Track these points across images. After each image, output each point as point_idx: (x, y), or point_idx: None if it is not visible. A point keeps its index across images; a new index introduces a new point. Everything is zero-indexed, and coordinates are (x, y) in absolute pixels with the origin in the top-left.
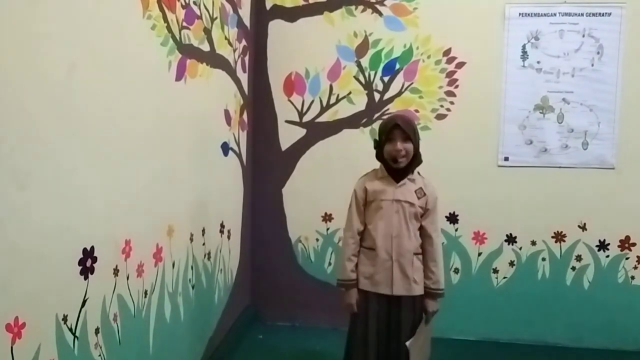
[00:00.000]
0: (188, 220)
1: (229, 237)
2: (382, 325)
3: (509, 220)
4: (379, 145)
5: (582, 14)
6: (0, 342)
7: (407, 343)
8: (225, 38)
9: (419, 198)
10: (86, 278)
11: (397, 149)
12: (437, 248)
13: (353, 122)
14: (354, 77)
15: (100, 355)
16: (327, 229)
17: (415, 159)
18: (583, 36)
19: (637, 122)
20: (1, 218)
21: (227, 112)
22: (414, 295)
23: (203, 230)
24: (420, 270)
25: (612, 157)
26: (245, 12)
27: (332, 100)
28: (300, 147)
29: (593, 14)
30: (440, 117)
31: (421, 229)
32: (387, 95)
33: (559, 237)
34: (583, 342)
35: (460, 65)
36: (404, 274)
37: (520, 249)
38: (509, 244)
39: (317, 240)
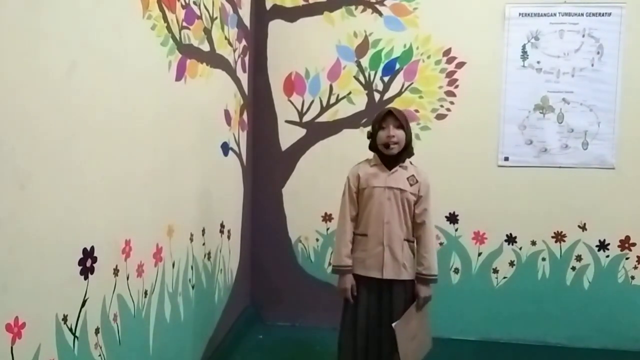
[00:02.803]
0: (188, 220)
1: (229, 237)
2: (373, 310)
3: (509, 220)
4: (372, 135)
5: (582, 14)
6: (0, 342)
7: (394, 324)
8: (225, 38)
9: (411, 185)
10: (86, 278)
11: (390, 135)
12: (430, 234)
13: (353, 122)
14: (354, 77)
15: (100, 355)
16: (327, 229)
17: (407, 149)
18: (583, 36)
19: (637, 122)
20: (1, 218)
21: (227, 112)
22: (404, 281)
23: (203, 230)
24: (410, 256)
25: (612, 157)
26: (245, 12)
27: (332, 100)
28: (300, 147)
29: (593, 14)
30: (440, 117)
31: (414, 216)
32: (387, 95)
33: (559, 237)
34: (583, 342)
35: (460, 65)
36: (394, 259)
37: (520, 249)
38: (509, 244)
39: (317, 240)
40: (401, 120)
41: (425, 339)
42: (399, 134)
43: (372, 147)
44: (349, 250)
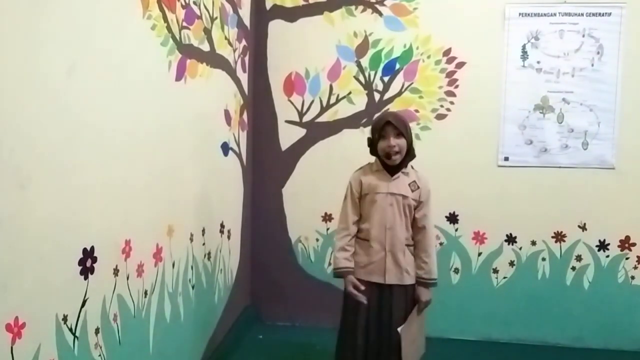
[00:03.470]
0: (188, 220)
1: (229, 237)
2: (373, 313)
3: (509, 220)
4: (372, 143)
5: (582, 14)
6: (0, 342)
7: (399, 329)
8: (225, 38)
9: (412, 191)
10: (86, 278)
11: (391, 145)
12: (430, 239)
13: (353, 122)
14: (354, 77)
15: (100, 355)
16: (327, 229)
17: (409, 154)
18: (583, 36)
19: (637, 122)
20: (1, 218)
21: (227, 112)
22: (405, 285)
23: (203, 230)
24: (412, 261)
25: (612, 157)
26: (245, 12)
27: (332, 100)
28: (300, 147)
29: (593, 14)
30: (440, 117)
31: (414, 220)
32: (387, 95)
33: (559, 237)
34: (583, 342)
35: (460, 65)
36: (396, 264)
37: (520, 249)
38: (509, 244)
39: (317, 240)
40: (400, 129)
41: (422, 342)
42: (400, 142)
43: (373, 153)
44: (348, 254)
